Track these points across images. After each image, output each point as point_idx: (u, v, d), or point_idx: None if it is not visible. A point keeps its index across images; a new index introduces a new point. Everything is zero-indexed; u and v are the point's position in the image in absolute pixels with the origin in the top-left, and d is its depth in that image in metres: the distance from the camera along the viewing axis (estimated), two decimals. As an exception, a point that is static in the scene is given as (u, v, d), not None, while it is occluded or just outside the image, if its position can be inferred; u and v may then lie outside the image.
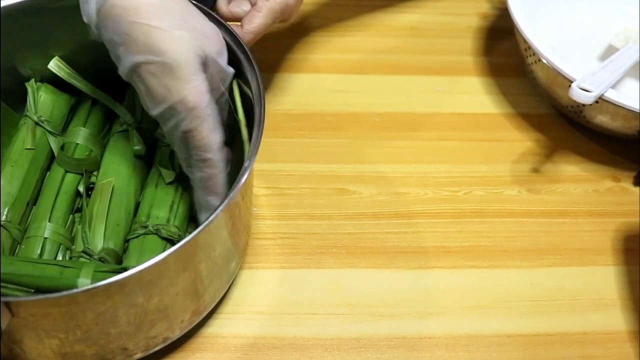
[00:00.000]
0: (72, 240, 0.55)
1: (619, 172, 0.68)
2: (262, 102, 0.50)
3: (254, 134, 0.48)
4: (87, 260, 0.52)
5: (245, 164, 0.47)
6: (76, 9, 0.51)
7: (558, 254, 0.61)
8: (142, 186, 0.58)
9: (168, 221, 0.55)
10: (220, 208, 0.45)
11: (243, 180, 0.46)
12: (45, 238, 0.53)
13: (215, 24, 0.51)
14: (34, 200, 0.57)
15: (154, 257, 0.47)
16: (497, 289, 0.58)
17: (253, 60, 0.52)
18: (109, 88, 0.61)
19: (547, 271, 0.60)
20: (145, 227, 0.54)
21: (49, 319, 0.43)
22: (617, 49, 0.69)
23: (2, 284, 0.47)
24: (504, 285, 0.59)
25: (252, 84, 0.51)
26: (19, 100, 0.60)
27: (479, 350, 0.55)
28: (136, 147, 0.58)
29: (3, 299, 0.40)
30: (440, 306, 0.57)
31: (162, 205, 0.55)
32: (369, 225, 0.62)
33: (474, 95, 0.73)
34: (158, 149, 0.59)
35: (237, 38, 0.53)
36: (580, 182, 0.67)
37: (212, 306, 0.54)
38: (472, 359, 0.54)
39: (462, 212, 0.64)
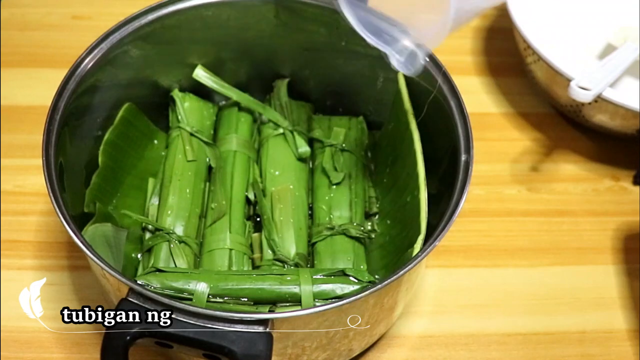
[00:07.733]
0: (250, 247, 0.54)
1: (618, 171, 0.68)
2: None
3: (465, 140, 0.49)
4: (282, 267, 0.52)
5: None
6: (210, 15, 0.54)
7: (557, 252, 0.61)
8: (308, 188, 0.57)
9: (350, 220, 0.55)
10: (452, 221, 0.45)
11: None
12: (231, 250, 0.53)
13: None
14: (204, 211, 0.56)
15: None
16: (496, 288, 0.59)
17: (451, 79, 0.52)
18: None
19: (546, 270, 0.60)
20: (332, 228, 0.54)
21: (306, 329, 0.43)
22: (615, 48, 0.69)
23: (220, 300, 0.47)
24: (503, 284, 0.59)
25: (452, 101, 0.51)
26: (147, 109, 0.58)
27: (479, 349, 0.55)
28: (302, 150, 0.58)
29: (283, 314, 0.40)
30: (440, 305, 0.57)
31: (341, 206, 0.55)
32: (369, 225, 0.62)
33: (474, 95, 0.73)
34: (316, 150, 0.59)
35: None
36: (579, 181, 0.67)
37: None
38: (472, 357, 0.54)
39: (461, 211, 0.63)
